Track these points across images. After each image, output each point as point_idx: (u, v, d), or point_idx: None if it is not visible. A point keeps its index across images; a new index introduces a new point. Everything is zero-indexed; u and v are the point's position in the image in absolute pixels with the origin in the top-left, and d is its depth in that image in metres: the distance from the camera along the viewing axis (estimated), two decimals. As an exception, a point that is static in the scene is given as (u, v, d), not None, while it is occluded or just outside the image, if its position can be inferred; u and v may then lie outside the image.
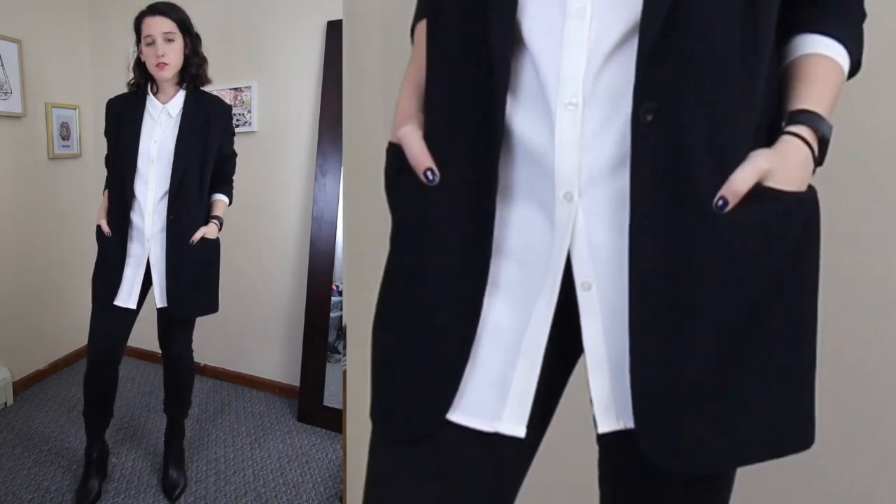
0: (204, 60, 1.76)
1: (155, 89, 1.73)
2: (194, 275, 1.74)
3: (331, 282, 2.29)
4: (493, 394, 0.71)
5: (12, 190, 2.45)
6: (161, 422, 2.19)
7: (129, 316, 1.75)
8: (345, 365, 1.95)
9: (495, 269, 0.68)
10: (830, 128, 0.68)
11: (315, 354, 2.34)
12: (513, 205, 0.68)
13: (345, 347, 2.18)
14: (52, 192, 2.64)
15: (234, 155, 1.92)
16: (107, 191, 1.79)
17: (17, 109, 2.41)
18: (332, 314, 2.31)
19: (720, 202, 0.63)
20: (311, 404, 2.34)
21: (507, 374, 0.70)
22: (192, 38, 1.73)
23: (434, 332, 0.70)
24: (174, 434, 1.97)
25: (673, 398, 0.66)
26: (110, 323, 1.74)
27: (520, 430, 0.71)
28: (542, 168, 0.65)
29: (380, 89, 1.82)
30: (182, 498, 1.86)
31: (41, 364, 2.65)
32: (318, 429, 2.29)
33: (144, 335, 1.86)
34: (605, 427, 0.70)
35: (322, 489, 1.93)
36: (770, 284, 0.67)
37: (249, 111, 2.43)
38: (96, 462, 1.88)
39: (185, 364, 1.91)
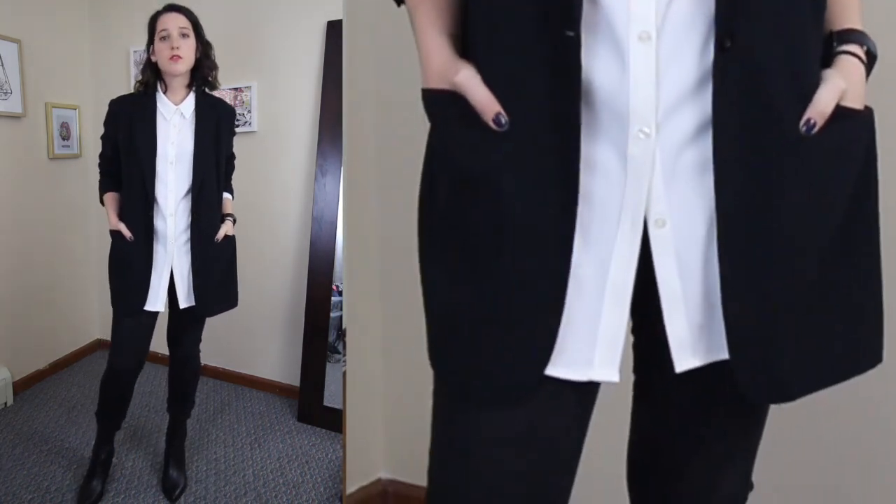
0: (215, 66, 1.78)
1: (164, 88, 1.72)
2: (220, 272, 1.78)
3: (331, 282, 2.29)
4: (582, 341, 0.68)
5: (12, 190, 2.45)
6: (161, 422, 2.19)
7: (154, 318, 1.77)
8: (345, 365, 1.95)
9: None
10: (874, 44, 0.68)
11: (315, 354, 2.34)
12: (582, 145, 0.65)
13: (345, 347, 2.18)
14: (52, 192, 2.64)
15: (234, 156, 1.94)
16: (110, 194, 1.77)
17: (17, 109, 2.40)
18: (332, 314, 2.31)
19: (806, 126, 0.62)
20: (311, 404, 2.34)
21: (594, 319, 0.68)
22: (203, 43, 1.75)
23: (524, 285, 0.66)
24: (176, 433, 1.97)
25: (767, 329, 0.66)
26: (137, 329, 1.76)
27: (613, 375, 0.69)
28: (613, 104, 0.63)
29: (379, 89, 1.82)
30: (182, 498, 1.86)
31: (41, 364, 2.65)
32: (318, 429, 2.29)
33: (146, 336, 1.85)
34: (683, 365, 0.68)
35: (322, 489, 1.93)
36: (850, 205, 0.67)
37: (249, 111, 2.43)
38: (102, 463, 1.88)
39: (192, 364, 1.92)
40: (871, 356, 0.73)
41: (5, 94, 2.35)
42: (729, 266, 0.64)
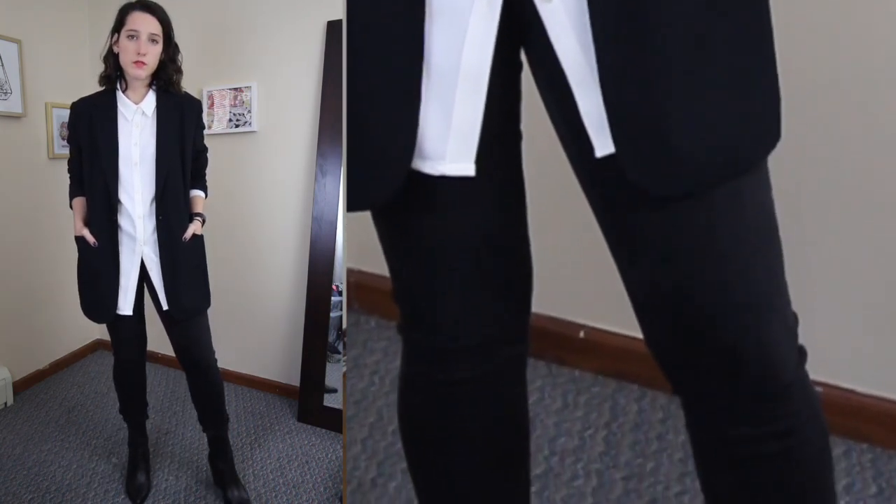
0: (179, 71, 1.69)
1: (124, 86, 1.66)
2: (190, 273, 1.71)
3: (331, 282, 2.29)
4: (435, 132, 0.66)
5: (12, 190, 2.45)
6: (160, 420, 2.20)
7: (134, 320, 1.74)
8: (345, 365, 1.95)
9: None
10: None
11: (315, 354, 2.34)
12: None
13: (345, 347, 2.18)
14: (52, 192, 2.63)
15: (206, 149, 1.84)
16: (79, 199, 1.73)
17: (17, 109, 2.41)
18: (332, 314, 2.31)
19: None
20: (311, 404, 2.34)
21: (446, 108, 0.66)
22: (171, 47, 1.66)
23: (385, 73, 0.65)
24: (218, 454, 1.89)
25: (649, 109, 0.63)
26: (126, 327, 1.75)
27: (468, 169, 0.67)
28: None
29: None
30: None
31: (41, 364, 2.65)
32: (318, 429, 2.29)
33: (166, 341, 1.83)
34: (603, 149, 0.65)
35: (322, 489, 1.93)
36: None
37: (249, 111, 2.43)
38: (142, 455, 1.90)
39: (209, 375, 1.81)
40: (767, 133, 0.68)
41: (5, 94, 2.35)
42: (603, 43, 0.62)
